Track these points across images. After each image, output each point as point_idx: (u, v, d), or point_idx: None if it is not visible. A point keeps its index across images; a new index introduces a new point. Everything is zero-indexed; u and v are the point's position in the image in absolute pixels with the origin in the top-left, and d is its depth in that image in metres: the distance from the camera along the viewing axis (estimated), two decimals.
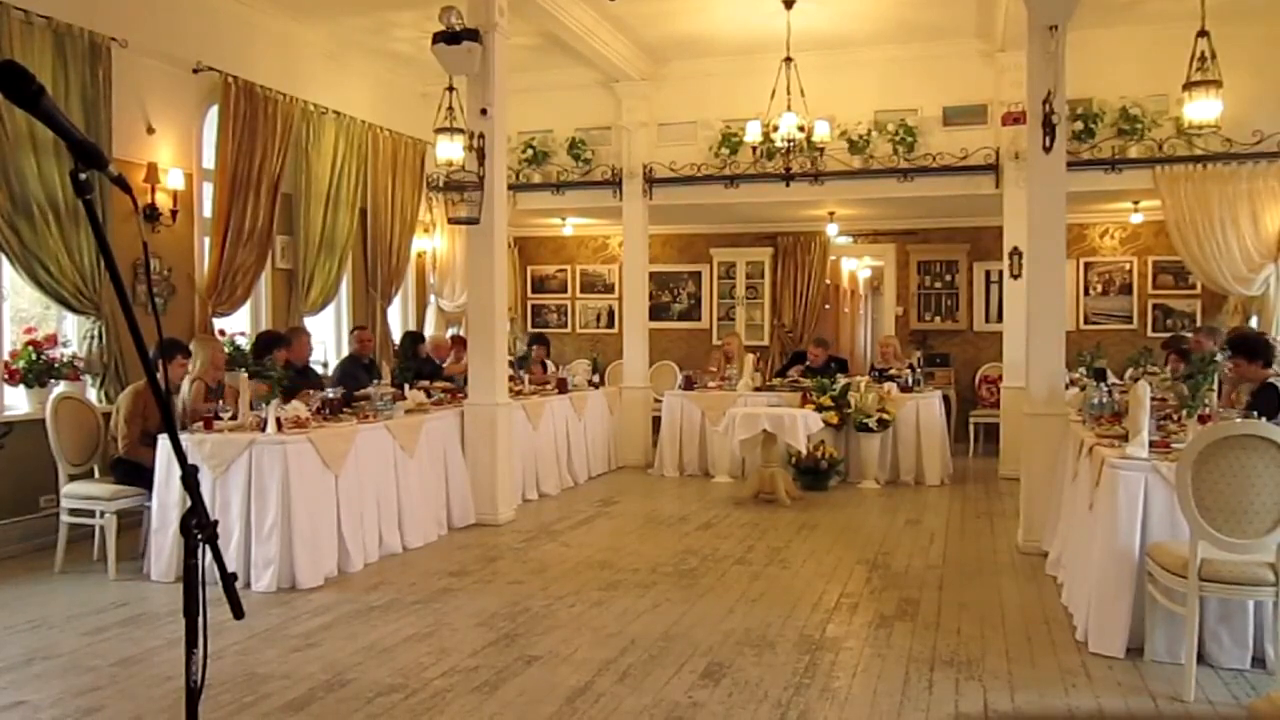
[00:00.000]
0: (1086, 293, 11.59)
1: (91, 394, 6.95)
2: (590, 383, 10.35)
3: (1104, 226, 11.58)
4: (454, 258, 11.31)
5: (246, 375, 6.33)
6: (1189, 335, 8.49)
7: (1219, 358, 5.37)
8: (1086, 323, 11.52)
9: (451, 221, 7.89)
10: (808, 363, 10.26)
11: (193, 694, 1.89)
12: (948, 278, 12.24)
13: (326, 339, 10.05)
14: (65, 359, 6.84)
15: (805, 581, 5.78)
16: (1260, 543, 3.85)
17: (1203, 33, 7.21)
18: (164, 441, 5.54)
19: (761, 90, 8.82)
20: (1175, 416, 5.45)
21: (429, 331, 11.00)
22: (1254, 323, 9.28)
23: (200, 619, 1.85)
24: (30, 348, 6.70)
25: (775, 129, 8.82)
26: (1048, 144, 6.49)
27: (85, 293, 6.86)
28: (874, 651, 4.53)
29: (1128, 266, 11.51)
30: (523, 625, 4.91)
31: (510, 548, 6.69)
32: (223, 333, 8.13)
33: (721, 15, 9.26)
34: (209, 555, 1.84)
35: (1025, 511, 6.56)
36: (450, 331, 11.25)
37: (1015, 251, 9.39)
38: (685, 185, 10.72)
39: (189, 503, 1.86)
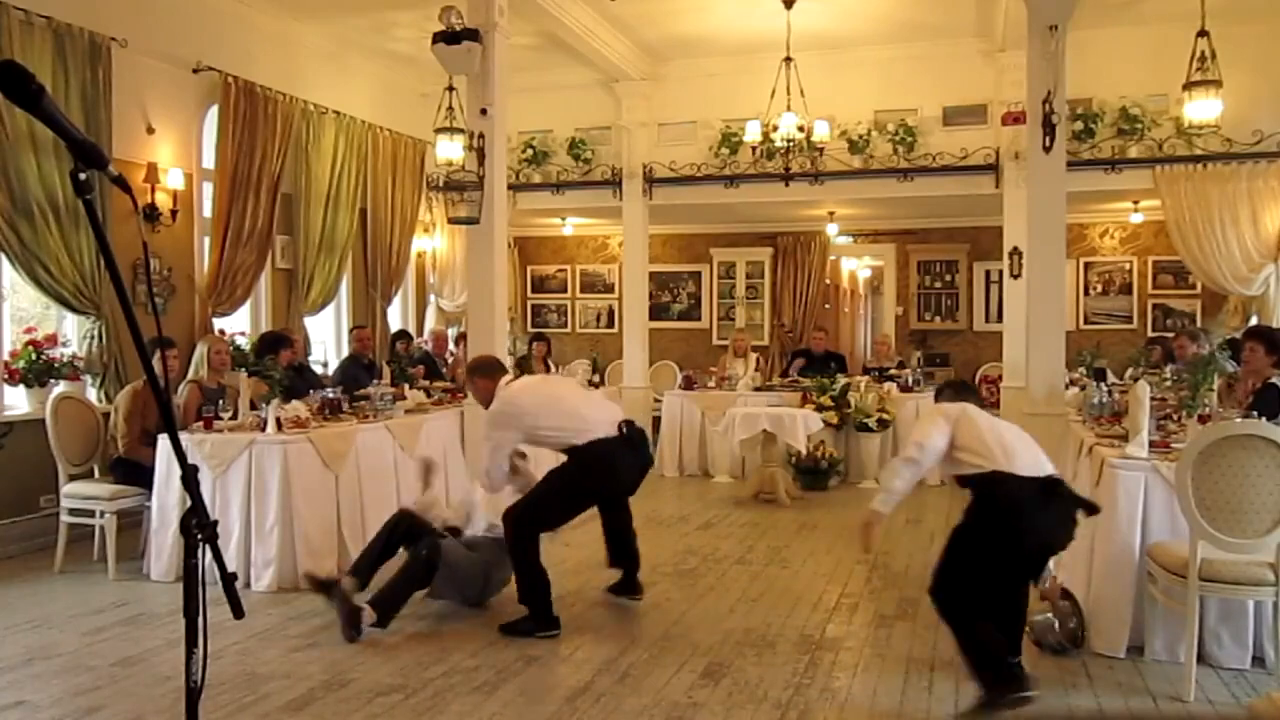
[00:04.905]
0: (1086, 293, 11.59)
1: (91, 394, 6.95)
2: (590, 382, 10.34)
3: (1104, 226, 11.59)
4: (454, 258, 11.31)
5: (247, 375, 6.32)
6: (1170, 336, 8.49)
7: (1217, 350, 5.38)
8: (1086, 323, 11.52)
9: (451, 221, 7.89)
10: (807, 346, 10.57)
11: (193, 694, 1.89)
12: (948, 278, 12.25)
13: (326, 339, 10.06)
14: (65, 359, 6.83)
15: (805, 581, 5.78)
16: (1260, 543, 3.84)
17: (1203, 33, 7.21)
18: (164, 441, 5.54)
19: (761, 90, 8.82)
20: (1175, 416, 5.45)
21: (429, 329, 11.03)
22: (1254, 322, 9.28)
23: (200, 619, 1.85)
24: (30, 348, 6.70)
25: (775, 129, 8.82)
26: (1048, 144, 6.49)
27: (85, 293, 6.86)
28: (874, 651, 4.53)
29: (1128, 266, 11.51)
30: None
31: None
32: (223, 332, 8.13)
33: (721, 15, 9.26)
34: (209, 555, 1.84)
35: None
36: (451, 331, 11.26)
37: (1015, 251, 9.39)
38: (685, 185, 10.72)
39: (189, 503, 1.86)
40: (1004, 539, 3.80)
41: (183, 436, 5.42)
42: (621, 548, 5.23)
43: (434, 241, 11.35)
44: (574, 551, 6.55)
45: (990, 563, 3.83)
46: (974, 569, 3.83)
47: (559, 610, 4.81)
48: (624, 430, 4.84)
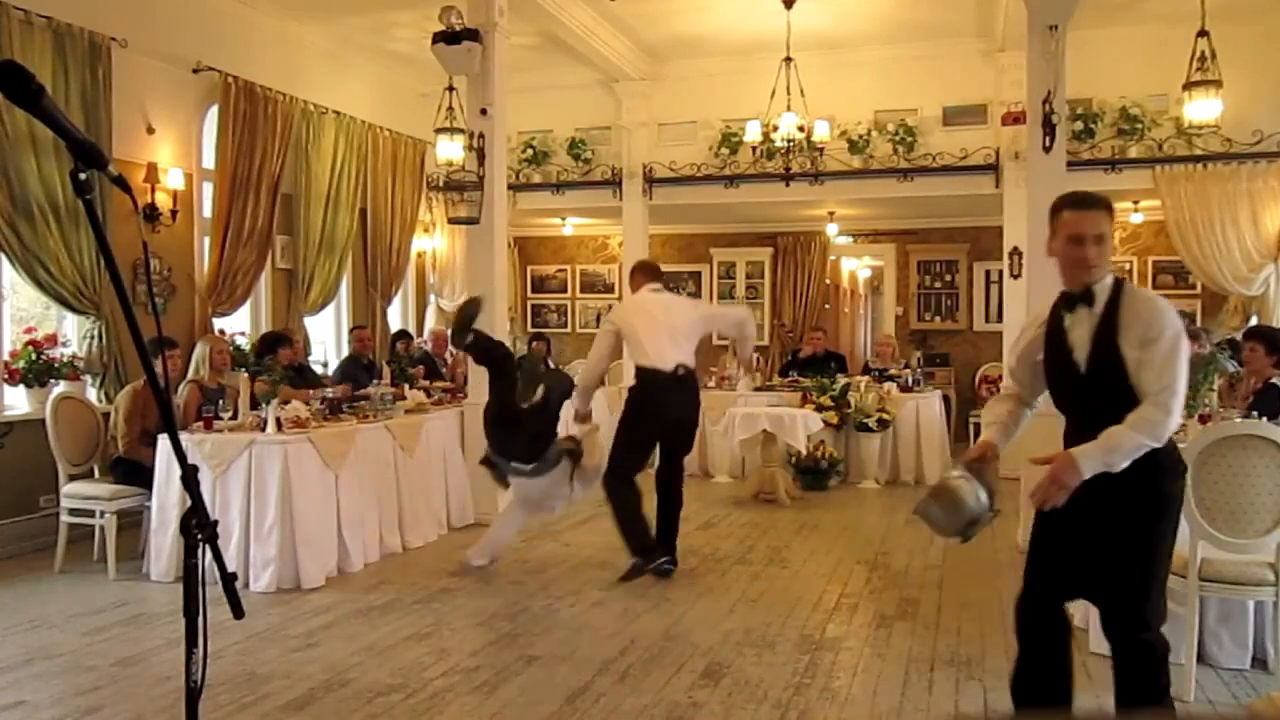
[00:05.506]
0: None
1: (91, 394, 6.95)
2: None
3: None
4: (454, 258, 11.32)
5: (247, 375, 6.32)
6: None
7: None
8: None
9: (451, 221, 7.89)
10: (807, 348, 10.46)
11: (193, 694, 1.89)
12: (948, 278, 12.24)
13: (326, 339, 10.06)
14: (65, 359, 6.83)
15: (805, 581, 5.78)
16: (1260, 543, 3.85)
17: (1203, 33, 7.22)
18: (164, 441, 5.54)
19: (761, 90, 8.82)
20: None
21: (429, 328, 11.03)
22: (1254, 322, 9.27)
23: (200, 619, 1.85)
24: (30, 348, 6.70)
25: (775, 129, 8.83)
26: (1048, 144, 6.49)
27: (85, 293, 6.86)
28: (874, 651, 4.53)
29: (1128, 266, 11.50)
30: (522, 625, 4.91)
31: (510, 548, 6.68)
32: (223, 332, 8.13)
33: (721, 15, 9.27)
34: (209, 555, 1.84)
35: (1025, 511, 6.54)
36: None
37: (1015, 251, 9.39)
38: (685, 185, 10.73)
39: (189, 503, 1.86)
40: (1176, 512, 3.08)
41: (183, 436, 5.41)
42: (664, 503, 5.90)
43: (434, 241, 11.36)
44: (574, 551, 6.57)
45: (1170, 547, 3.04)
46: (1164, 562, 3.03)
47: (559, 610, 4.82)
48: (677, 371, 5.54)
